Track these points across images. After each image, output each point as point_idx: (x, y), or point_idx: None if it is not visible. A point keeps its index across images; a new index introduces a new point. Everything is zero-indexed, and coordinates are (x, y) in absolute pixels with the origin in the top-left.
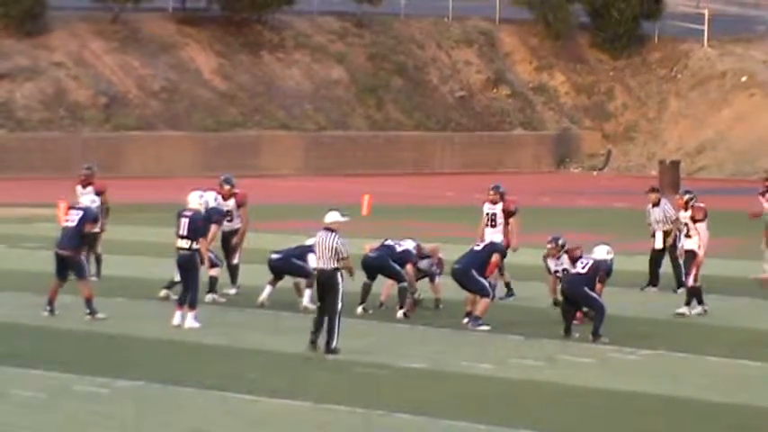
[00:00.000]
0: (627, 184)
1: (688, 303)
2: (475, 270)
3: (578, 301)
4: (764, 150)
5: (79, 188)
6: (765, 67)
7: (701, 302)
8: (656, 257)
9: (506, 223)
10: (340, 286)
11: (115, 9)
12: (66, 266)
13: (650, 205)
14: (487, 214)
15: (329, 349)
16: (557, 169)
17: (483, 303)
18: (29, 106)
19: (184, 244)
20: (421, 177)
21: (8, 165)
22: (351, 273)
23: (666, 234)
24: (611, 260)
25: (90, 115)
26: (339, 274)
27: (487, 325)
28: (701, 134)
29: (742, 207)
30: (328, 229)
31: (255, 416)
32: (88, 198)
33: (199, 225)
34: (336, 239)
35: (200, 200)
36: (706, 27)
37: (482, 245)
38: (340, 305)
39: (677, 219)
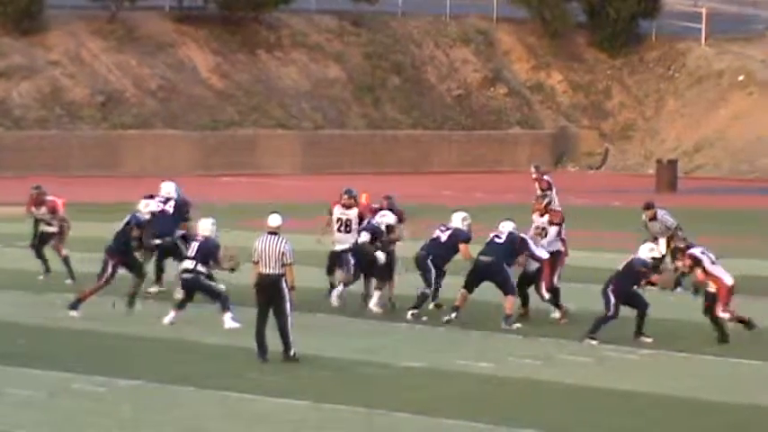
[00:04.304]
0: (624, 183)
1: (558, 305)
2: (506, 263)
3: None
4: (762, 149)
5: (33, 209)
6: (763, 66)
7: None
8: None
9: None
10: (285, 292)
11: (112, 8)
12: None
13: (647, 219)
14: (339, 219)
15: (288, 357)
16: (554, 168)
17: (509, 301)
18: (25, 105)
19: (189, 265)
20: (418, 176)
21: (5, 163)
22: (291, 286)
23: (670, 239)
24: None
25: (87, 114)
26: (284, 279)
27: (517, 323)
28: (699, 133)
29: (738, 205)
30: (273, 232)
31: (255, 415)
32: (143, 204)
33: (211, 252)
34: (285, 243)
35: (211, 227)
36: (704, 26)
37: (503, 236)
38: (289, 309)
39: (678, 225)
